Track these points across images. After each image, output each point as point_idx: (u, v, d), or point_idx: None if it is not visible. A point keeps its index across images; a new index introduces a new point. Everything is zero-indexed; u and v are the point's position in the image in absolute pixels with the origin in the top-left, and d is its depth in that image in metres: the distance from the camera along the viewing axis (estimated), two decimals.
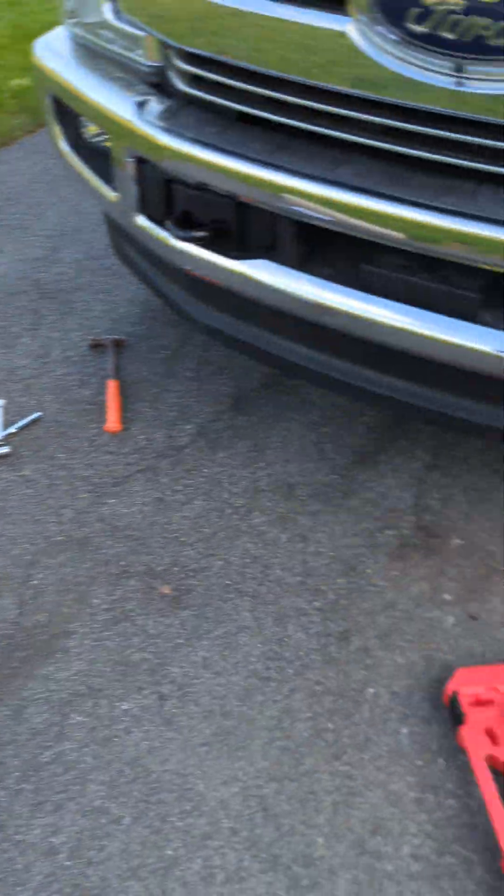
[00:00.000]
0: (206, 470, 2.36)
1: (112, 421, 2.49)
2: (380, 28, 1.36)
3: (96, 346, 2.82)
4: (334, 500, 2.27)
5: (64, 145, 2.20)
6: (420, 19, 1.30)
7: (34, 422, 2.50)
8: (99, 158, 2.12)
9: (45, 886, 1.48)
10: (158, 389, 2.65)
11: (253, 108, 1.67)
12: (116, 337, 2.83)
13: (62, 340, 2.85)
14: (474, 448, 2.41)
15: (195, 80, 1.76)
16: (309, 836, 1.57)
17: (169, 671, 1.85)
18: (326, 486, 2.32)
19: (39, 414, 2.52)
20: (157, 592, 2.02)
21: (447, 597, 2.01)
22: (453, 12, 1.26)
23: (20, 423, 2.48)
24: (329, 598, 2.01)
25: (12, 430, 2.45)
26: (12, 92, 4.63)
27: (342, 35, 1.41)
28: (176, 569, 2.08)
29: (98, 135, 2.13)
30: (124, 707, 1.78)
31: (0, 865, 1.51)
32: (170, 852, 1.54)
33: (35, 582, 2.03)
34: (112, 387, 2.61)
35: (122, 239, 2.41)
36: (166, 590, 2.03)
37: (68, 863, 1.52)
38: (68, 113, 2.13)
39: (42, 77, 2.11)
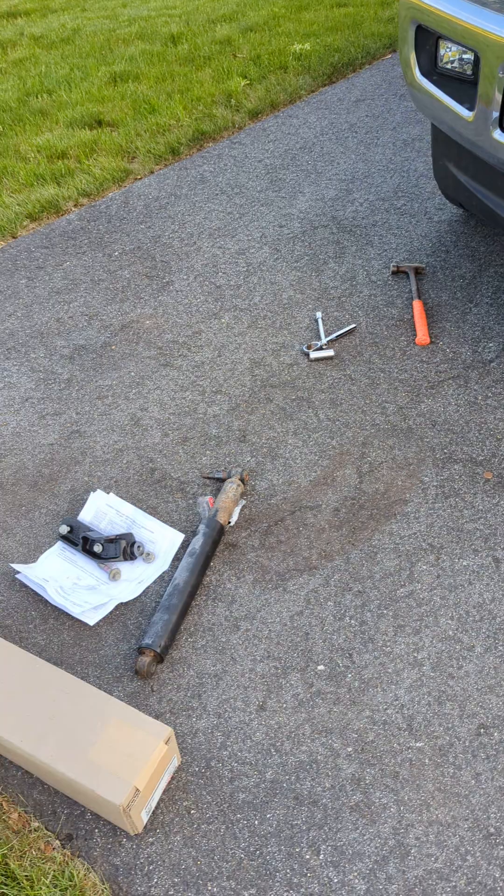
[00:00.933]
0: None
1: (422, 335, 2.71)
2: None
3: (397, 273, 3.05)
4: None
5: (418, 74, 2.43)
6: None
7: (350, 332, 2.77)
8: (452, 83, 2.33)
9: (415, 688, 1.73)
10: (459, 312, 2.83)
11: None
12: (416, 265, 3.04)
13: (365, 267, 3.11)
14: None
15: None
16: None
17: (501, 540, 2.04)
18: None
19: (354, 325, 2.79)
20: (481, 477, 2.21)
21: None
22: None
23: (339, 332, 2.76)
24: None
25: (332, 337, 2.74)
26: (295, 55, 4.97)
27: None
28: (496, 460, 2.26)
29: (452, 61, 2.33)
30: (464, 563, 1.99)
31: (376, 668, 1.78)
32: None
33: (370, 459, 2.29)
34: (418, 306, 2.83)
35: (454, 165, 2.61)
36: (489, 475, 2.22)
37: (432, 674, 1.76)
38: (426, 44, 2.35)
39: (411, 10, 2.34)
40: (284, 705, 1.73)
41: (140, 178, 3.91)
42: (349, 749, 1.64)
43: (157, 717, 1.72)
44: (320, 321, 2.82)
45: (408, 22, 2.38)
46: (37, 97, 4.76)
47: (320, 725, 1.69)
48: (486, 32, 2.05)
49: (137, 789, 1.46)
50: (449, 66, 2.33)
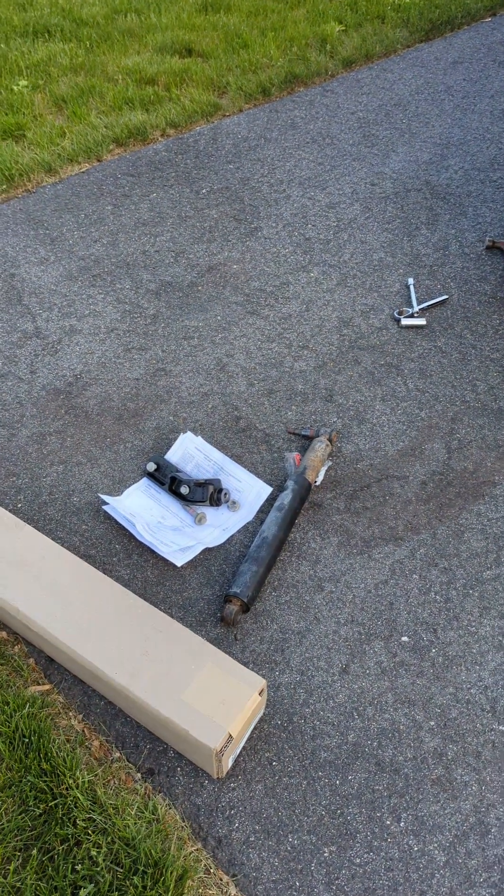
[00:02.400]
0: None
1: None
2: None
3: (492, 248, 2.97)
4: None
5: None
6: None
7: (442, 302, 2.71)
8: None
9: (499, 672, 1.73)
10: None
11: None
12: None
13: (458, 238, 3.03)
14: None
15: None
16: None
17: None
18: None
19: (446, 296, 2.72)
20: None
21: None
22: None
23: (431, 301, 2.69)
24: None
25: (425, 305, 2.68)
26: (394, 6, 4.77)
27: None
28: None
29: None
30: None
31: (460, 647, 1.77)
32: None
33: (459, 436, 2.26)
34: None
35: None
36: None
37: None
38: None
39: None
40: (368, 671, 1.72)
41: (229, 116, 3.79)
42: (432, 723, 1.64)
43: None
44: (412, 288, 2.75)
45: None
46: (125, 16, 4.59)
47: (403, 696, 1.69)
48: None
49: (231, 735, 1.46)
50: None
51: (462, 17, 4.83)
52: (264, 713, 1.64)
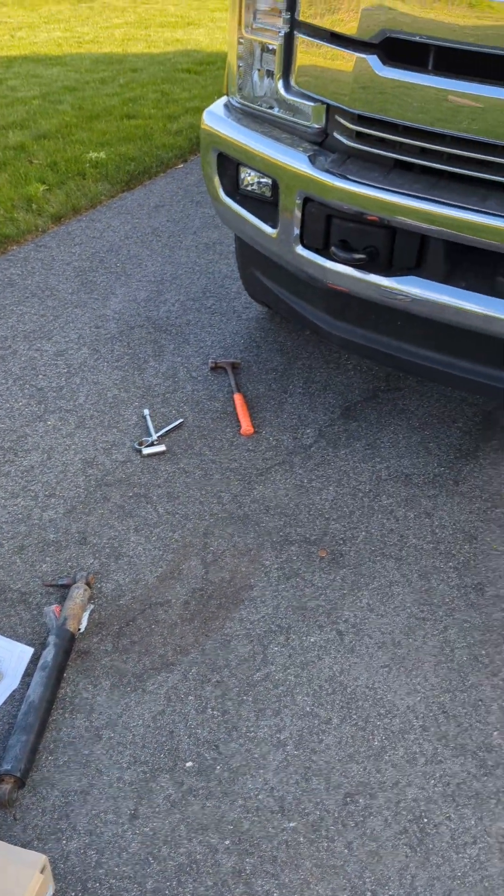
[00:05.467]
0: (332, 464, 2.75)
1: (245, 426, 2.89)
2: None
3: (216, 368, 3.24)
4: (447, 487, 2.67)
5: (223, 194, 2.66)
6: None
7: (178, 426, 2.89)
8: (254, 203, 2.59)
9: (281, 769, 1.80)
10: (276, 402, 3.06)
11: (411, 156, 2.15)
12: (232, 360, 3.26)
13: (185, 364, 3.27)
14: None
15: (358, 137, 2.24)
16: (485, 731, 1.91)
17: (341, 614, 2.20)
18: (438, 475, 2.72)
19: (182, 420, 2.91)
20: (316, 555, 2.38)
21: None
22: None
23: (168, 427, 2.87)
24: (460, 560, 2.39)
25: (162, 432, 2.84)
26: (92, 163, 5.19)
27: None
28: (327, 538, 2.45)
29: (252, 184, 2.60)
30: (311, 640, 2.12)
31: (242, 756, 1.82)
32: (376, 743, 1.87)
33: (212, 548, 2.38)
34: (239, 399, 3.02)
35: (260, 272, 2.87)
36: (323, 553, 2.39)
37: (296, 752, 1.84)
38: (228, 168, 2.61)
39: (212, 138, 2.58)
40: (157, 809, 1.71)
41: None
42: (227, 842, 1.66)
43: (23, 847, 1.63)
44: (148, 418, 2.91)
45: (209, 148, 2.63)
46: None
47: (195, 823, 1.69)
48: (283, 164, 2.33)
49: None
50: (250, 188, 2.59)
51: (157, 166, 5.35)
52: (57, 888, 1.57)
